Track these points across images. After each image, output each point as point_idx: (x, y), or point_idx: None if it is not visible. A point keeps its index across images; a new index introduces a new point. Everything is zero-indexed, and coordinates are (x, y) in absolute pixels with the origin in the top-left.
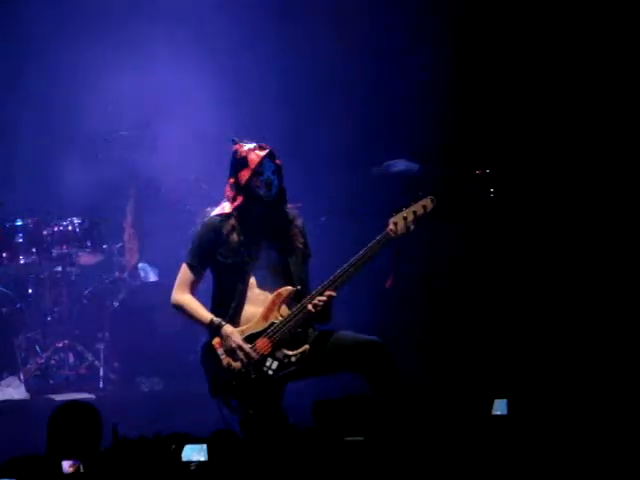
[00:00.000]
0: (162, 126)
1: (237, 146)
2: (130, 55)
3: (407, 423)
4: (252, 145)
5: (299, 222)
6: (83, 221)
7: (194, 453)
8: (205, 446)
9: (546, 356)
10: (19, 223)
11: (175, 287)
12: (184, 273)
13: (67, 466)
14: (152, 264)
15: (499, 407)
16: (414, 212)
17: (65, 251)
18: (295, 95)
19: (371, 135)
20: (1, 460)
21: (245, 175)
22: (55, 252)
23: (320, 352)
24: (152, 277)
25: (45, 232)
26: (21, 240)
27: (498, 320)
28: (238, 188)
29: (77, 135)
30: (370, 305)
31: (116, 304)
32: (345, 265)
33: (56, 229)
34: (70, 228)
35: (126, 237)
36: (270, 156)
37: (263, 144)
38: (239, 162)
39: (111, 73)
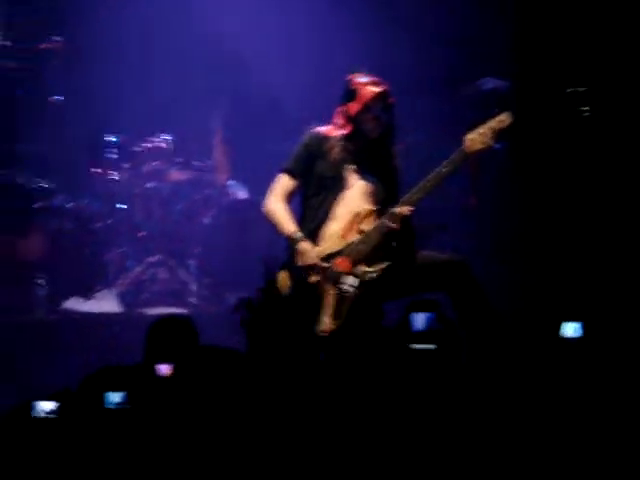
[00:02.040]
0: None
1: (352, 76)
2: None
3: (492, 346)
4: (366, 79)
5: (398, 162)
6: (174, 137)
7: None
8: None
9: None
10: (112, 139)
11: (269, 193)
12: (281, 180)
13: (164, 369)
14: (242, 181)
15: (570, 330)
16: (491, 128)
17: (156, 167)
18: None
19: (458, 55)
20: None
21: (354, 108)
22: (146, 168)
23: (405, 270)
24: (242, 195)
25: (137, 148)
26: (115, 156)
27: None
28: (347, 118)
29: (173, 52)
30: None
31: (207, 220)
32: (421, 182)
33: (148, 145)
34: (161, 144)
35: (216, 154)
36: (383, 94)
37: (379, 80)
38: (350, 93)
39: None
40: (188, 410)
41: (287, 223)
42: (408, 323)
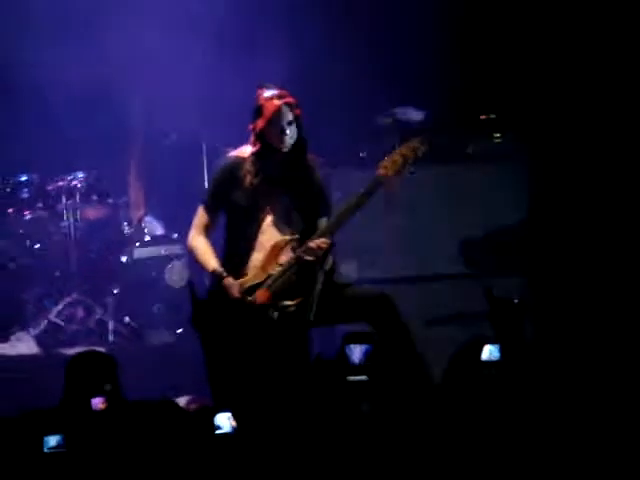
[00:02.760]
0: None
1: (259, 91)
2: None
3: (414, 375)
4: (271, 92)
5: (319, 174)
6: (88, 175)
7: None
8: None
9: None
10: (24, 178)
11: (191, 229)
12: (200, 215)
13: (98, 402)
14: (158, 217)
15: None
16: (404, 155)
17: (71, 205)
18: (300, 42)
19: (376, 84)
20: (14, 413)
21: (260, 123)
22: (61, 207)
23: (326, 302)
24: (158, 230)
25: (50, 187)
26: (26, 195)
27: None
28: (255, 135)
29: (79, 86)
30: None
31: (123, 258)
32: (336, 212)
33: (61, 183)
34: (75, 182)
35: (131, 191)
36: (287, 106)
37: (283, 92)
38: (257, 109)
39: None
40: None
41: (209, 259)
42: (345, 355)
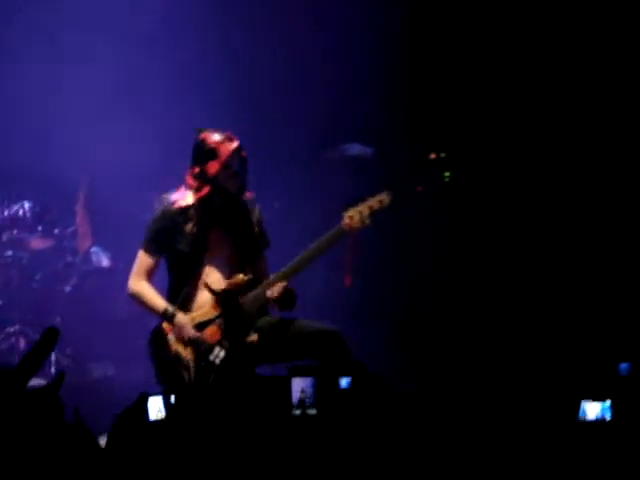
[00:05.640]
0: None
1: (204, 135)
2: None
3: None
4: (221, 137)
5: (256, 212)
6: (34, 205)
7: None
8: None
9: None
10: None
11: (131, 275)
12: (140, 260)
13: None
14: (105, 248)
15: None
16: (370, 207)
17: (15, 235)
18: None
19: (323, 120)
20: None
21: (214, 167)
22: (5, 236)
23: (276, 339)
24: (104, 261)
25: None
26: None
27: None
28: (205, 179)
29: (25, 117)
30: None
31: (68, 289)
32: (297, 257)
33: (6, 213)
34: (20, 212)
35: (78, 221)
36: (239, 149)
37: (231, 135)
38: (207, 153)
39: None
40: None
41: (156, 301)
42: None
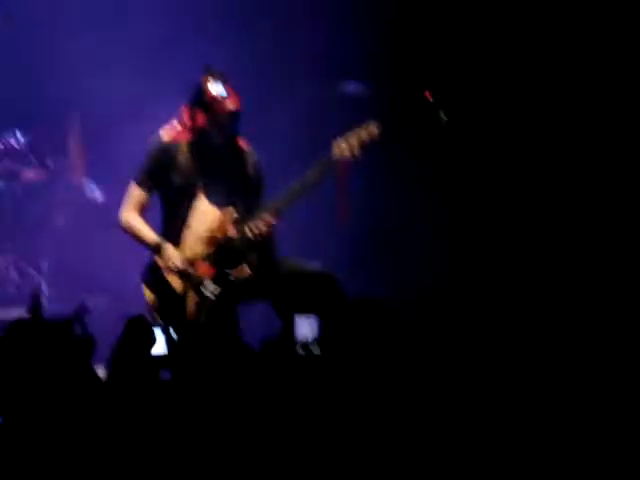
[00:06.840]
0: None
1: (207, 83)
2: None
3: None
4: (220, 91)
5: (254, 156)
6: (26, 135)
7: None
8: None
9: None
10: None
11: (123, 207)
12: (133, 193)
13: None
14: (98, 182)
15: None
16: (358, 136)
17: (8, 167)
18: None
19: (317, 58)
20: None
21: (202, 119)
22: None
23: (267, 277)
24: (97, 196)
25: None
26: None
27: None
28: (194, 122)
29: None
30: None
31: (61, 222)
32: (284, 190)
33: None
34: (13, 143)
35: (72, 153)
36: (235, 112)
37: (232, 93)
38: (203, 102)
39: None
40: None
41: (147, 232)
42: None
